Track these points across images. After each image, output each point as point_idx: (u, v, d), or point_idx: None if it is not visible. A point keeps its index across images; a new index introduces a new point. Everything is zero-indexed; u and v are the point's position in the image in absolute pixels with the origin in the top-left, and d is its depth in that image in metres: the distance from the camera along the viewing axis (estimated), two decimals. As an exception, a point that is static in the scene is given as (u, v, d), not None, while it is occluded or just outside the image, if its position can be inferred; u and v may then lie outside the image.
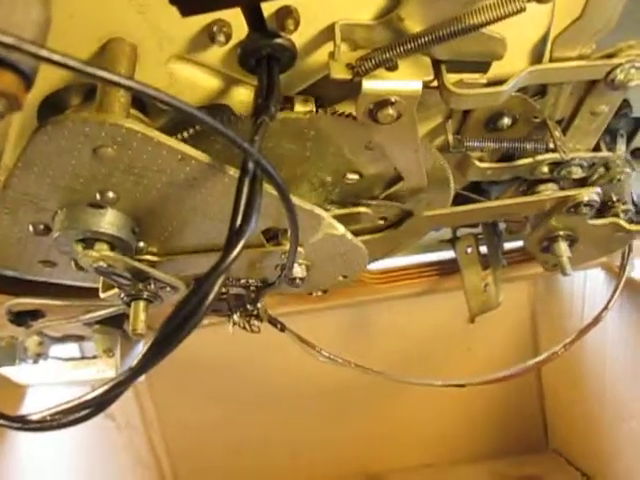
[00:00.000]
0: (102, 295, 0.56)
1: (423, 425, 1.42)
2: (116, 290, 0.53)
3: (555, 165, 0.61)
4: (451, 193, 0.62)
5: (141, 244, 0.51)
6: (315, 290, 0.69)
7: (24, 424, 0.42)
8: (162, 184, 0.44)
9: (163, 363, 0.38)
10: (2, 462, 1.15)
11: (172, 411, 1.42)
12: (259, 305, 0.68)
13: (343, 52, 0.44)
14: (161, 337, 0.37)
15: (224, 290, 0.62)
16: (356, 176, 0.55)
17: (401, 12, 0.43)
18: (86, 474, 1.34)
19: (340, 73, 0.43)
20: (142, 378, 0.44)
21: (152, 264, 0.52)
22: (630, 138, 0.67)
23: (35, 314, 0.80)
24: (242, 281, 0.61)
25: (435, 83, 0.47)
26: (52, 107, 0.48)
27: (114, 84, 0.30)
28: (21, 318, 0.80)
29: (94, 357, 1.07)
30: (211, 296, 0.37)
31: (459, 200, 0.67)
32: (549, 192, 0.65)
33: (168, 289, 0.53)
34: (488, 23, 0.41)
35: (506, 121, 0.56)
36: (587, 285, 1.10)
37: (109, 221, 0.45)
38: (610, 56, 0.49)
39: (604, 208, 0.70)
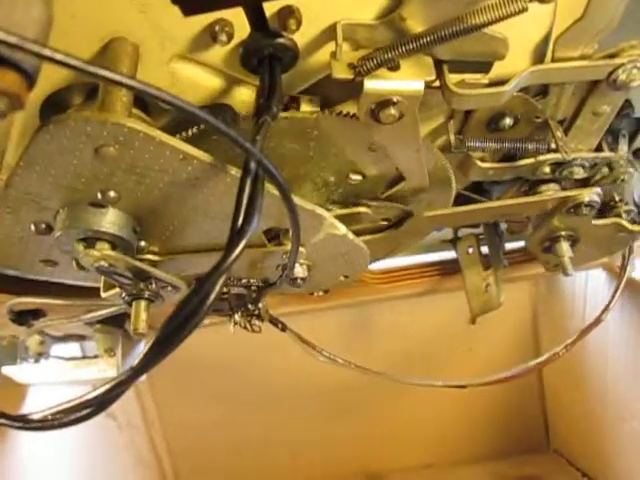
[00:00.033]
0: (103, 294, 0.56)
1: (424, 425, 1.42)
2: (117, 289, 0.53)
3: (557, 165, 0.61)
4: (453, 193, 0.61)
5: (142, 243, 0.51)
6: (316, 290, 0.69)
7: (25, 423, 0.42)
8: (164, 184, 0.44)
9: (164, 362, 0.38)
10: (3, 461, 1.15)
11: (173, 411, 1.42)
12: (260, 305, 0.68)
13: (345, 52, 0.44)
14: (162, 337, 0.37)
15: (225, 290, 0.62)
16: (359, 177, 0.55)
17: (403, 12, 0.43)
18: (87, 473, 1.34)
19: (342, 73, 0.43)
20: (143, 377, 0.44)
21: (153, 263, 0.52)
22: (632, 138, 0.67)
23: (36, 313, 0.80)
24: (243, 281, 0.61)
25: (437, 83, 0.47)
26: (54, 106, 0.48)
27: (116, 83, 0.30)
28: (22, 317, 0.80)
29: (95, 356, 1.07)
30: (212, 296, 0.37)
31: (460, 200, 0.67)
32: (551, 192, 0.65)
33: (169, 288, 0.53)
34: (490, 23, 0.41)
35: (508, 121, 0.56)
36: (588, 285, 1.10)
37: (110, 220, 0.45)
38: (612, 56, 0.49)
39: (606, 208, 0.70)
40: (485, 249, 0.89)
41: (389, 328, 1.29)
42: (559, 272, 0.73)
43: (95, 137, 0.40)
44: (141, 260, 0.50)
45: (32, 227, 0.47)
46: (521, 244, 0.92)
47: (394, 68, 0.43)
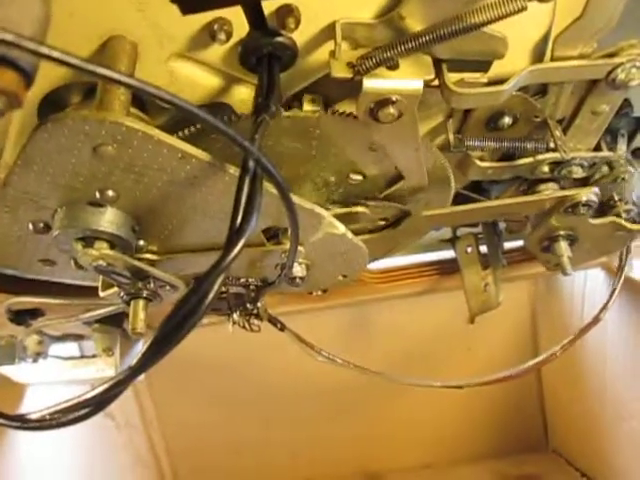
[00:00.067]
0: (102, 294, 0.56)
1: (422, 425, 1.42)
2: (116, 289, 0.53)
3: (556, 165, 0.61)
4: (451, 192, 0.61)
5: (141, 243, 0.51)
6: (315, 289, 0.69)
7: (23, 423, 0.42)
8: (162, 182, 0.44)
9: (162, 362, 0.38)
10: (2, 461, 1.15)
11: (172, 410, 1.42)
12: (259, 304, 0.68)
13: (344, 51, 0.44)
14: (161, 336, 0.37)
15: (224, 289, 0.62)
16: (359, 177, 0.55)
17: (402, 11, 0.43)
18: (86, 473, 1.34)
19: (341, 72, 0.43)
20: (142, 377, 0.44)
21: (152, 263, 0.52)
22: (631, 138, 0.67)
23: (34, 313, 0.80)
24: (242, 280, 0.61)
25: (436, 82, 0.47)
26: (52, 105, 0.47)
27: (114, 82, 0.30)
28: (20, 317, 0.80)
29: (94, 356, 1.07)
30: (211, 295, 0.36)
31: (459, 199, 0.67)
32: (549, 192, 0.65)
33: (168, 288, 0.53)
34: (489, 22, 0.41)
35: (507, 120, 0.56)
36: (587, 285, 1.10)
37: (109, 220, 0.45)
38: (611, 55, 0.49)
39: (606, 208, 0.70)
40: (484, 248, 0.89)
41: (388, 327, 1.29)
42: (559, 271, 0.73)
43: (93, 136, 0.40)
44: (139, 259, 0.50)
45: (30, 226, 0.47)
46: (520, 243, 0.92)
47: (393, 67, 0.43)
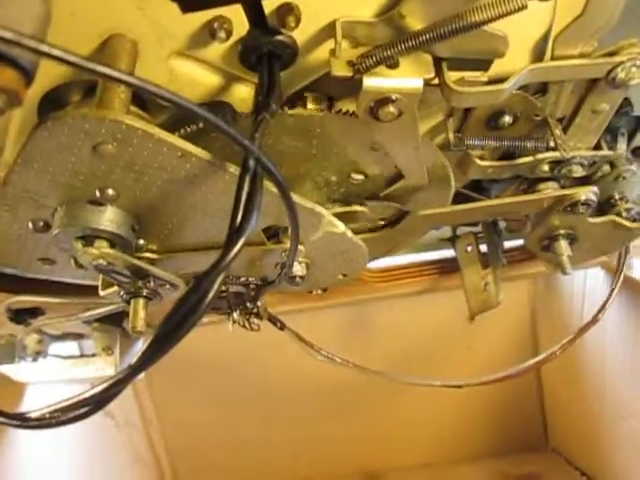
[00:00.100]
0: (101, 293, 0.56)
1: (422, 424, 1.42)
2: (115, 288, 0.53)
3: (556, 163, 0.61)
4: (451, 191, 0.61)
5: (141, 241, 0.51)
6: (315, 288, 0.69)
7: (23, 422, 0.42)
8: (162, 181, 0.44)
9: (162, 361, 0.38)
10: (2, 460, 1.15)
11: (171, 409, 1.42)
12: (259, 303, 0.68)
13: (344, 49, 0.44)
14: (160, 335, 0.37)
15: (224, 288, 0.62)
16: (361, 176, 0.55)
17: (402, 9, 0.43)
18: (85, 472, 1.34)
19: (341, 70, 0.43)
20: (141, 376, 0.44)
21: (152, 262, 0.52)
22: (631, 137, 0.67)
23: (34, 312, 0.80)
24: (242, 279, 0.61)
25: (436, 81, 0.47)
26: (52, 103, 0.47)
27: (114, 80, 0.30)
28: (20, 316, 0.80)
29: (93, 355, 1.07)
30: (211, 294, 0.36)
31: (459, 198, 0.67)
32: (549, 191, 0.65)
33: (168, 287, 0.53)
34: (490, 21, 0.41)
35: (507, 119, 0.56)
36: (587, 284, 1.10)
37: (109, 218, 0.45)
38: (611, 54, 0.49)
39: (606, 206, 0.70)
40: (484, 247, 0.89)
41: (388, 327, 1.29)
42: (559, 271, 0.73)
43: (93, 134, 0.40)
44: (139, 258, 0.50)
45: (30, 225, 0.47)
46: (520, 242, 0.92)
47: (393, 66, 0.43)
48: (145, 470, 1.45)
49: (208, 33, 0.44)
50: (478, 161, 0.61)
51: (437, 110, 0.57)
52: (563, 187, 0.66)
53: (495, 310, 0.86)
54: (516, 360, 0.86)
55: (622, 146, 0.65)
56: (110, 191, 0.44)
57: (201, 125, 0.47)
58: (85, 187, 0.44)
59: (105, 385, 0.40)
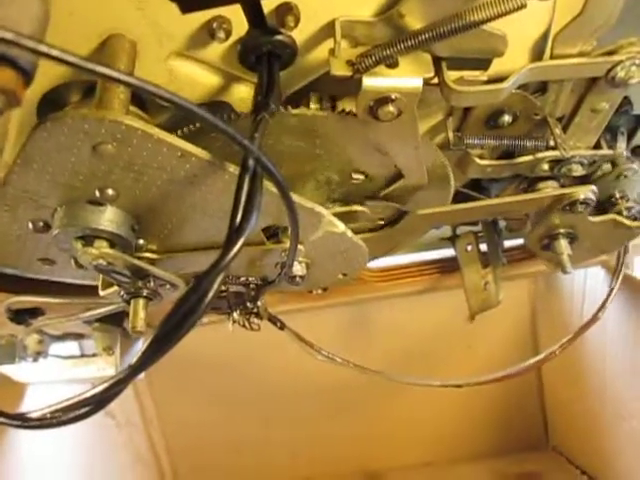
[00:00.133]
0: (102, 293, 0.55)
1: (422, 423, 1.42)
2: (115, 288, 0.53)
3: (555, 163, 0.61)
4: (451, 190, 0.61)
5: (141, 241, 0.51)
6: (315, 288, 0.69)
7: (24, 422, 0.42)
8: (162, 181, 0.44)
9: (163, 361, 0.38)
10: (2, 460, 1.15)
11: (172, 409, 1.42)
12: (259, 303, 0.68)
13: (343, 49, 0.44)
14: (160, 335, 0.37)
15: (224, 288, 0.62)
16: (362, 176, 0.55)
17: (402, 9, 0.43)
18: (86, 472, 1.34)
19: (340, 70, 0.43)
20: (142, 376, 0.44)
21: (152, 262, 0.52)
22: (630, 136, 0.67)
23: (34, 312, 0.80)
24: (242, 279, 0.61)
25: (436, 80, 0.47)
26: (52, 104, 0.47)
27: (114, 80, 0.30)
28: (20, 316, 0.80)
29: (94, 355, 1.07)
30: (210, 294, 0.36)
31: (459, 198, 0.67)
32: (549, 190, 0.65)
33: (167, 287, 0.53)
34: (489, 20, 0.41)
35: (507, 118, 0.56)
36: (587, 283, 1.10)
37: (108, 218, 0.45)
38: (611, 53, 0.49)
39: (607, 205, 0.70)
40: (484, 247, 0.89)
41: (388, 326, 1.29)
42: (559, 270, 0.73)
43: (93, 135, 0.40)
44: (139, 258, 0.50)
45: (30, 225, 0.47)
46: (520, 242, 0.92)
47: (392, 65, 0.43)
48: (145, 470, 1.46)
49: (207, 33, 0.44)
50: (478, 160, 0.61)
51: (436, 109, 0.57)
52: (563, 186, 0.66)
53: (495, 309, 0.86)
54: (516, 359, 0.86)
55: (622, 145, 0.65)
56: (110, 191, 0.44)
57: (201, 125, 0.47)
58: (85, 187, 0.44)
59: (106, 385, 0.40)
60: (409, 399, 1.36)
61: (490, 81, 0.50)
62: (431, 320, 1.29)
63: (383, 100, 0.43)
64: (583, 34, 0.48)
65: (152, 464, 1.46)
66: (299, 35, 0.45)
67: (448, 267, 0.98)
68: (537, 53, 0.49)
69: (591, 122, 0.57)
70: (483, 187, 0.71)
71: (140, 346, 0.96)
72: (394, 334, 1.30)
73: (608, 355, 1.07)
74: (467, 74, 0.49)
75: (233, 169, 0.44)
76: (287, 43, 0.44)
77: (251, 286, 0.62)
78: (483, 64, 0.48)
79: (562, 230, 0.71)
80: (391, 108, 0.44)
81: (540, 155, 0.60)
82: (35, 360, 0.98)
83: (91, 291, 0.58)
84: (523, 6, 0.40)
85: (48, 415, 0.41)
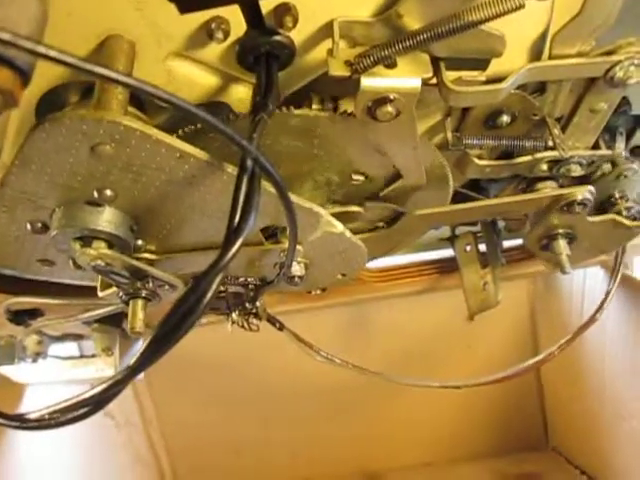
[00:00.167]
0: (100, 294, 0.55)
1: (422, 424, 1.42)
2: (114, 288, 0.53)
3: (554, 163, 0.61)
4: (450, 191, 0.61)
5: (139, 242, 0.51)
6: (314, 288, 0.69)
7: (22, 423, 0.42)
8: (160, 182, 0.44)
9: (162, 361, 0.38)
10: (1, 461, 1.15)
11: (171, 409, 1.42)
12: (258, 303, 0.68)
13: (342, 49, 0.44)
14: (159, 335, 0.37)
15: (223, 288, 0.62)
16: (362, 177, 0.55)
17: (400, 9, 0.43)
18: (85, 472, 1.34)
19: (339, 70, 0.43)
20: (141, 376, 0.44)
21: (150, 262, 0.52)
22: (629, 136, 0.67)
23: (34, 313, 0.80)
24: (241, 279, 0.61)
25: (434, 80, 0.47)
26: (50, 104, 0.47)
27: (112, 81, 0.30)
28: (20, 317, 0.80)
29: (93, 356, 1.07)
30: (209, 294, 0.36)
31: (458, 198, 0.67)
32: (547, 190, 0.65)
33: (166, 287, 0.53)
34: (487, 20, 0.41)
35: (505, 119, 0.56)
36: (586, 283, 1.10)
37: (107, 219, 0.45)
38: (609, 53, 0.49)
39: (607, 205, 0.70)
40: (483, 247, 0.89)
41: (387, 326, 1.29)
42: (558, 270, 0.73)
43: (91, 135, 0.40)
44: (138, 259, 0.50)
45: (28, 226, 0.47)
46: (519, 242, 0.92)
47: (391, 65, 0.43)
48: (145, 470, 1.45)
49: (206, 34, 0.44)
50: (476, 160, 0.61)
51: (435, 110, 0.57)
52: (562, 186, 0.66)
53: (494, 309, 0.86)
54: (516, 359, 0.86)
55: (620, 145, 0.65)
56: (108, 192, 0.44)
57: (199, 126, 0.47)
58: (83, 188, 0.44)
59: (104, 386, 0.40)
60: (408, 399, 1.36)
61: (488, 81, 0.49)
62: (430, 320, 1.29)
63: (381, 100, 0.43)
64: (582, 34, 0.48)
65: (151, 464, 1.46)
66: (297, 35, 0.45)
67: (447, 267, 0.98)
68: (535, 53, 0.49)
69: (590, 122, 0.57)
70: (482, 187, 0.71)
71: (139, 347, 0.96)
72: (393, 334, 1.30)
73: (607, 355, 1.07)
74: (465, 74, 0.49)
75: (231, 169, 0.44)
76: (285, 43, 0.44)
77: (250, 286, 0.62)
78: (481, 64, 0.48)
79: (561, 230, 0.71)
80: (389, 108, 0.44)
81: (539, 155, 0.60)
82: (34, 361, 0.98)
83: (90, 292, 0.58)
84: (521, 6, 0.40)
85: (46, 416, 0.41)
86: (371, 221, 0.64)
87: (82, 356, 1.13)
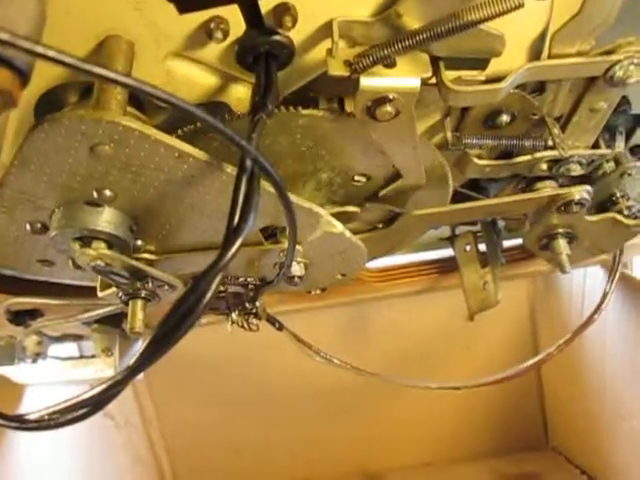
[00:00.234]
0: (100, 294, 0.55)
1: (422, 424, 1.42)
2: (114, 289, 0.53)
3: (554, 162, 0.61)
4: (450, 190, 0.61)
5: (139, 242, 0.51)
6: (314, 288, 0.69)
7: (22, 423, 0.42)
8: (159, 182, 0.44)
9: (161, 361, 0.38)
10: (1, 461, 1.15)
11: (171, 409, 1.42)
12: (258, 303, 0.68)
13: (341, 49, 0.44)
14: (159, 335, 0.37)
15: (222, 288, 0.62)
16: (364, 178, 0.55)
17: (399, 8, 0.43)
18: (85, 473, 1.34)
19: (338, 70, 0.42)
20: (141, 376, 0.44)
21: (150, 262, 0.52)
22: (629, 135, 0.67)
23: (34, 313, 0.80)
24: (240, 279, 0.61)
25: (433, 80, 0.47)
26: (49, 105, 0.47)
27: (111, 81, 0.30)
28: (20, 317, 0.80)
29: (93, 356, 1.07)
30: (209, 294, 0.36)
31: (458, 198, 0.67)
32: (547, 190, 0.65)
33: (166, 287, 0.53)
34: (487, 19, 0.40)
35: (505, 118, 0.56)
36: (586, 283, 1.10)
37: (106, 219, 0.45)
38: (609, 52, 0.49)
39: (608, 204, 0.70)
40: (483, 247, 0.89)
41: (387, 326, 1.29)
42: (558, 269, 0.73)
43: (90, 136, 0.40)
44: (137, 259, 0.50)
45: (27, 227, 0.47)
46: (519, 242, 0.92)
47: (390, 65, 0.43)
48: (145, 470, 1.45)
49: (205, 34, 0.44)
50: (476, 160, 0.61)
51: (434, 109, 0.57)
52: (562, 186, 0.66)
53: (494, 309, 0.86)
54: (515, 359, 0.86)
55: (620, 144, 0.65)
56: (107, 192, 0.44)
57: (198, 125, 0.47)
58: (82, 188, 0.43)
59: (104, 386, 0.40)
60: (408, 400, 1.36)
61: (488, 81, 0.49)
62: (430, 320, 1.29)
63: (381, 100, 0.43)
64: (581, 33, 0.48)
65: (151, 465, 1.46)
66: (297, 35, 0.45)
67: (447, 267, 0.98)
68: (535, 53, 0.49)
69: (589, 122, 0.57)
70: (482, 187, 0.71)
71: (139, 347, 0.96)
72: (393, 334, 1.30)
73: (607, 355, 1.07)
74: (465, 74, 0.49)
75: (231, 170, 0.44)
76: (285, 43, 0.44)
77: (249, 286, 0.62)
78: (481, 64, 0.48)
79: (561, 230, 0.71)
80: (389, 108, 0.44)
81: (538, 155, 0.60)
82: (34, 361, 0.98)
83: (90, 292, 0.58)
84: (520, 5, 0.39)
85: (46, 417, 0.41)
86: (370, 221, 0.64)
87: (82, 357, 1.13)
